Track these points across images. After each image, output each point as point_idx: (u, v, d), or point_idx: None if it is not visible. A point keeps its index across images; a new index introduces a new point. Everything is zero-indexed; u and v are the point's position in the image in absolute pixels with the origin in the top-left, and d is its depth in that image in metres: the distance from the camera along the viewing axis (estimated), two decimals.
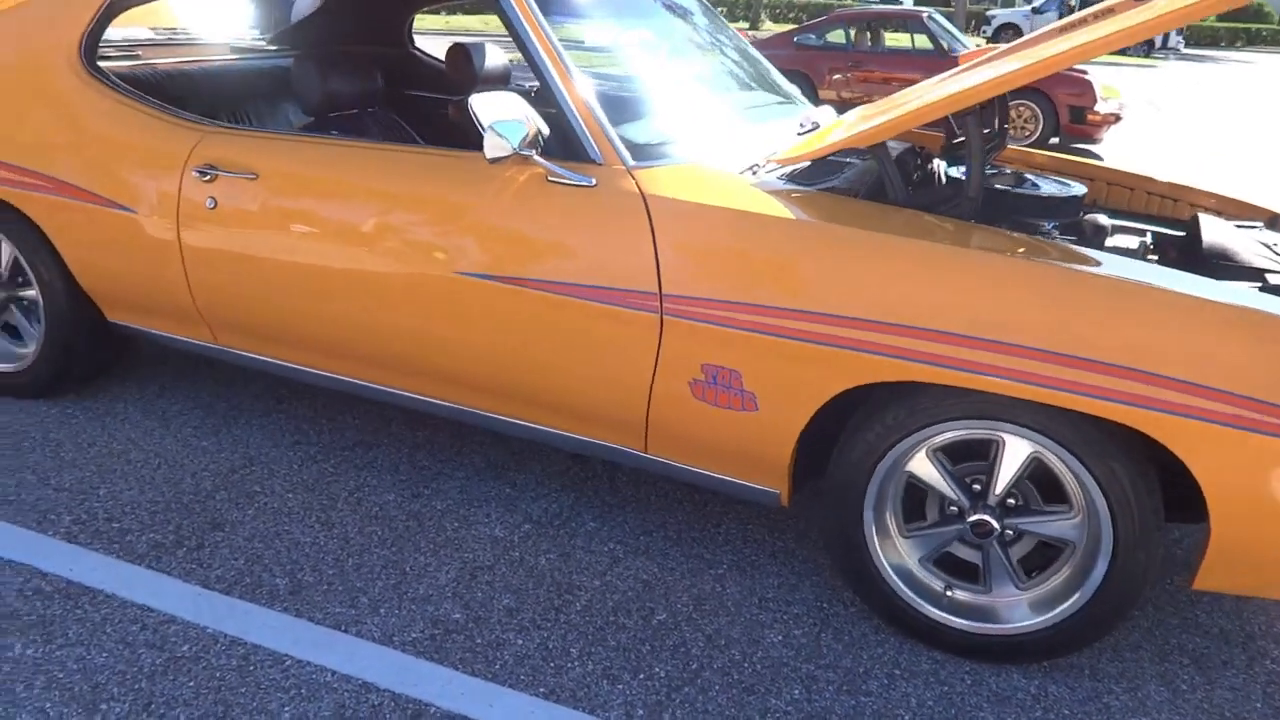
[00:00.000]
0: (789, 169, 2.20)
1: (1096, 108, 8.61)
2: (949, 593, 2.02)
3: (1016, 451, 1.86)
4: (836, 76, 9.50)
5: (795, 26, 10.13)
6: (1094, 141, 8.89)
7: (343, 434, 2.85)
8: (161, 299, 2.58)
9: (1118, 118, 8.72)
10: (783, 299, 1.89)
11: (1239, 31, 41.25)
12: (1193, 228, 2.25)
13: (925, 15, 9.55)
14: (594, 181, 2.05)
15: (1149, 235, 2.33)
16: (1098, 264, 1.79)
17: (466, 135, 3.27)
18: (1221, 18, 47.58)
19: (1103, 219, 2.22)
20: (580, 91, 2.11)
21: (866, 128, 1.98)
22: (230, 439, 2.78)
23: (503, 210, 2.11)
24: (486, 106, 1.97)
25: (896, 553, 2.04)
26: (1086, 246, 1.94)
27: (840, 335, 1.85)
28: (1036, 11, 28.71)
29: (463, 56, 3.33)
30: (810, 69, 9.60)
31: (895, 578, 2.01)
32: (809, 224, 1.91)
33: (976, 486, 1.95)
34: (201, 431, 2.82)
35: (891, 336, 1.81)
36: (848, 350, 1.85)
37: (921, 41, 9.63)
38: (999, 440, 1.87)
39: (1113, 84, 13.75)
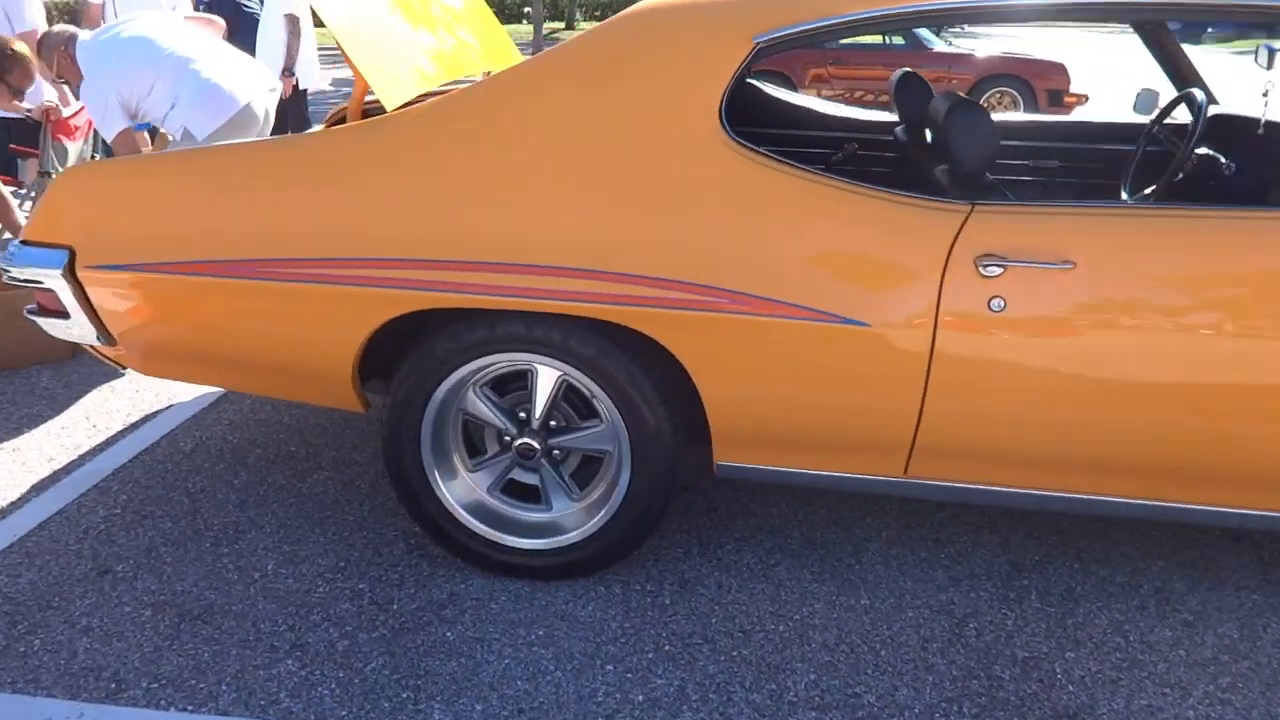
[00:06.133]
0: None
1: (1071, 89, 9.05)
2: None
3: None
4: (815, 74, 9.39)
5: None
6: None
7: (968, 560, 2.34)
8: (848, 429, 1.96)
9: (1086, 98, 9.20)
10: None
11: None
12: None
13: None
14: None
15: None
16: None
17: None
18: None
19: None
20: None
21: None
22: (863, 584, 2.20)
23: None
24: None
25: None
26: None
27: None
28: None
29: (917, 85, 2.85)
30: (788, 68, 9.43)
31: None
32: None
33: None
34: (825, 582, 2.22)
35: None
36: None
37: (894, 37, 9.66)
38: None
39: None
